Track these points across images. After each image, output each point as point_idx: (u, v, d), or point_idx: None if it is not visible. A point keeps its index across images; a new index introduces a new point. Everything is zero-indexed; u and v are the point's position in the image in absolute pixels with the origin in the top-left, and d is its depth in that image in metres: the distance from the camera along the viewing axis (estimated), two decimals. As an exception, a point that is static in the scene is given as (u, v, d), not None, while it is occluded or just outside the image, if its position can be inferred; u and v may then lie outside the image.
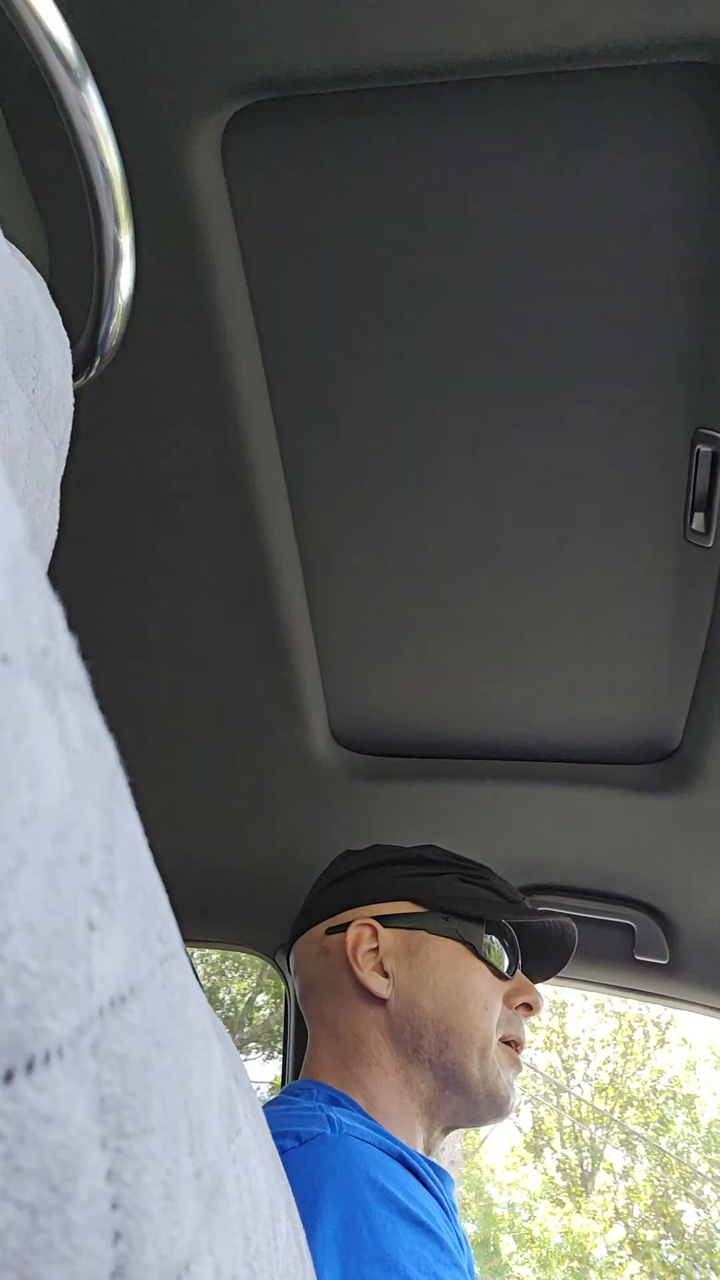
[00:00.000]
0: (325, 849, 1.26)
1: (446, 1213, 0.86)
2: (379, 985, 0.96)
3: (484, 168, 0.68)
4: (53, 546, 0.46)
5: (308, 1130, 0.82)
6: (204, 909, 1.47)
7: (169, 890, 0.22)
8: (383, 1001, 0.96)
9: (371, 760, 1.23)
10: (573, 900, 1.33)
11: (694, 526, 0.85)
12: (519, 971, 1.03)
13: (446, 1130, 1.00)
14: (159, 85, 0.64)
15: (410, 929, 0.99)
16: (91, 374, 0.59)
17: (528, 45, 0.60)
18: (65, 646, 0.18)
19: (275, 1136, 0.80)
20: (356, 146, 0.68)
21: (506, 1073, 0.97)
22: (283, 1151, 0.79)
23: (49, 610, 0.17)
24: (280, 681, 1.09)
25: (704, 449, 0.79)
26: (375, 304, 0.77)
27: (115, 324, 0.58)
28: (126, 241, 0.55)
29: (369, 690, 1.14)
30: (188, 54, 0.62)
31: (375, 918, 1.00)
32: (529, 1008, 1.02)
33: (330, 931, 1.02)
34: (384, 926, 0.99)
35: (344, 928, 1.01)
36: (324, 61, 0.62)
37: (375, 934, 0.99)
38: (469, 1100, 0.95)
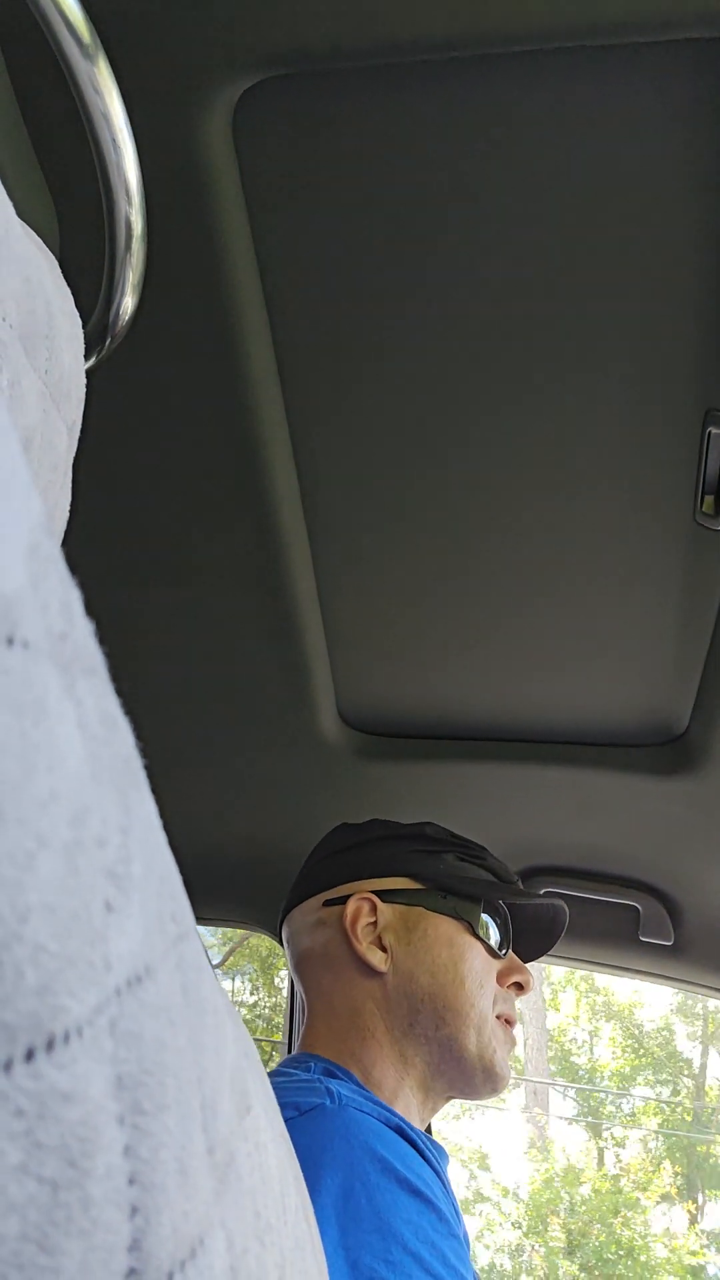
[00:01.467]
0: (333, 828, 1.26)
1: (443, 1184, 0.88)
2: (377, 959, 0.97)
3: (495, 143, 0.67)
4: (65, 528, 0.46)
5: (307, 1101, 0.84)
6: (212, 888, 1.48)
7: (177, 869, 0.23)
8: (380, 975, 0.98)
9: (379, 740, 1.23)
10: (578, 881, 1.34)
11: (703, 509, 0.85)
12: (510, 951, 1.05)
13: (443, 1101, 1.02)
14: (170, 62, 0.63)
15: (409, 905, 1.01)
16: (103, 353, 0.59)
17: (538, 20, 0.59)
18: (83, 631, 0.18)
19: None
20: (367, 122, 0.67)
21: (502, 1048, 0.99)
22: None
23: (67, 595, 0.17)
24: (288, 662, 1.09)
25: (715, 431, 0.79)
26: (386, 281, 0.76)
27: (126, 303, 0.58)
28: (138, 219, 0.55)
29: (376, 671, 1.14)
30: (199, 30, 0.62)
31: (374, 892, 1.02)
32: (520, 987, 1.04)
33: (328, 904, 1.04)
34: (383, 901, 1.01)
35: (342, 900, 1.02)
36: (335, 37, 0.61)
37: (374, 908, 1.00)
38: (464, 1074, 0.97)
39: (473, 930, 1.00)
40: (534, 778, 1.21)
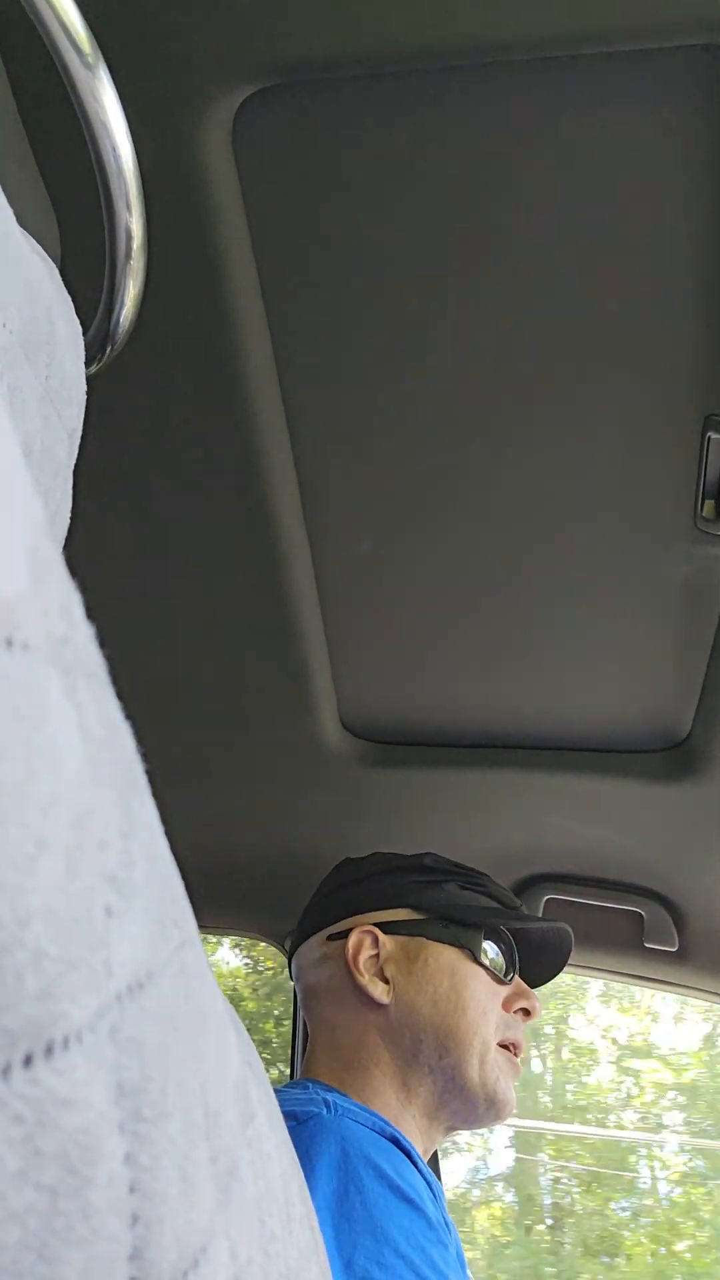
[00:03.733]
0: (335, 836, 1.26)
1: (434, 1195, 0.89)
2: (379, 991, 0.98)
3: (493, 152, 0.68)
4: (65, 534, 0.46)
5: (305, 1110, 0.85)
6: (213, 895, 1.47)
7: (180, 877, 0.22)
8: (383, 1007, 0.98)
9: (380, 748, 1.23)
10: (582, 888, 1.33)
11: (704, 514, 0.85)
12: (517, 976, 1.05)
13: (447, 1133, 1.02)
14: (170, 71, 0.63)
15: (410, 935, 1.01)
16: (104, 361, 0.59)
17: (536, 29, 0.59)
18: (84, 634, 0.18)
19: None
20: (366, 131, 0.68)
21: (505, 1076, 0.99)
22: None
23: (68, 598, 0.17)
24: (290, 669, 1.09)
25: (715, 436, 0.79)
26: (385, 289, 0.76)
27: (127, 310, 0.58)
28: (138, 227, 0.55)
29: (378, 678, 1.14)
30: (199, 39, 0.62)
31: (376, 924, 1.02)
32: (527, 1013, 1.04)
33: (331, 938, 1.05)
34: (384, 933, 1.02)
35: (345, 935, 1.03)
36: (334, 46, 0.61)
37: (376, 940, 1.01)
38: (468, 1104, 0.97)
39: (475, 958, 1.00)
40: (537, 784, 1.21)
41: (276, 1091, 0.94)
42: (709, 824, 1.17)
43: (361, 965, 0.99)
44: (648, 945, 1.31)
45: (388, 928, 1.02)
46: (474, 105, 0.66)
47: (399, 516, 0.94)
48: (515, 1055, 1.02)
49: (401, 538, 0.96)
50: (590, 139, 0.66)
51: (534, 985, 1.13)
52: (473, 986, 0.99)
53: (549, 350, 0.78)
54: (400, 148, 0.68)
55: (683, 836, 1.21)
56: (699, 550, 0.90)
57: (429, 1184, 0.88)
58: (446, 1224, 0.90)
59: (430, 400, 0.83)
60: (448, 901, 1.03)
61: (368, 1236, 0.75)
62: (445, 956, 1.00)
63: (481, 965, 1.00)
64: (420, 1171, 0.88)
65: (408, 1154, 0.87)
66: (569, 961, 1.16)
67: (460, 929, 1.01)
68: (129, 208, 0.54)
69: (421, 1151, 0.98)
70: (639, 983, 1.42)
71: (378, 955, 1.00)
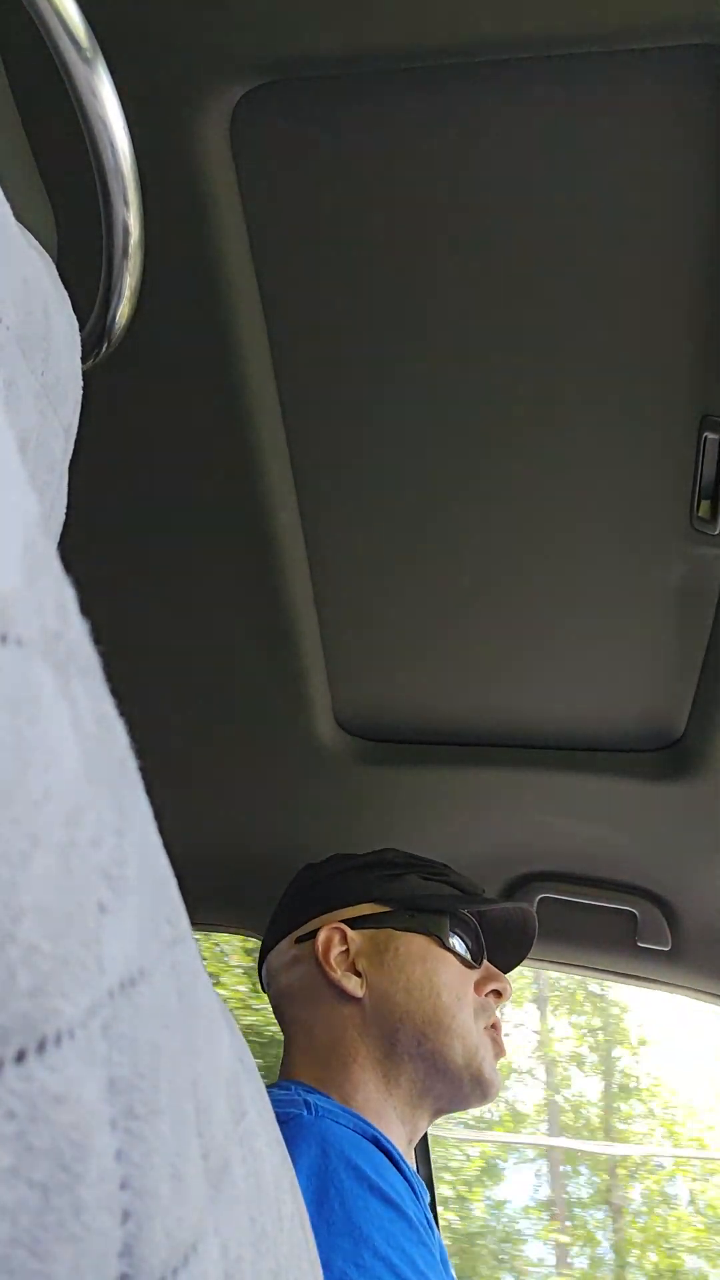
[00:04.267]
0: (329, 834, 1.26)
1: (416, 1195, 0.90)
2: (353, 985, 0.99)
3: (492, 150, 0.67)
4: (60, 531, 0.46)
5: (285, 1112, 0.86)
6: (206, 893, 1.47)
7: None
8: (358, 1001, 0.99)
9: (375, 746, 1.23)
10: (575, 887, 1.33)
11: (700, 514, 0.85)
12: (485, 961, 1.06)
13: (434, 1116, 1.03)
14: (168, 67, 0.63)
15: (378, 928, 1.02)
16: (100, 356, 0.59)
17: (537, 27, 0.59)
18: (78, 630, 0.18)
19: None
20: (364, 128, 0.68)
21: (489, 1055, 1.00)
22: None
23: (62, 594, 0.17)
24: (284, 667, 1.09)
25: (711, 436, 0.79)
26: (382, 286, 0.76)
27: (124, 306, 0.58)
28: (135, 223, 0.55)
29: (373, 676, 1.14)
30: (197, 35, 0.62)
31: (343, 921, 1.03)
32: (498, 994, 1.05)
33: (300, 940, 1.06)
34: (352, 929, 1.02)
35: (313, 935, 1.03)
36: (332, 43, 0.61)
37: (344, 936, 1.02)
38: (453, 1085, 0.98)
39: (443, 943, 1.01)
40: (531, 783, 1.21)
41: None
42: (703, 824, 1.18)
43: (333, 961, 1.00)
44: (640, 944, 1.31)
45: (355, 923, 1.02)
46: (472, 103, 0.65)
47: (394, 515, 0.94)
48: (496, 1034, 1.02)
49: (396, 536, 0.96)
50: (589, 139, 0.66)
51: (504, 970, 1.14)
52: (444, 971, 0.99)
53: (546, 349, 0.78)
54: (398, 144, 0.68)
55: (677, 836, 1.21)
56: (695, 550, 0.90)
57: (411, 1184, 0.89)
58: (429, 1224, 0.90)
59: (427, 398, 0.83)
60: (411, 892, 1.04)
61: (346, 1238, 0.75)
62: (414, 944, 1.00)
63: (450, 950, 1.01)
64: (403, 1172, 0.88)
65: (389, 1154, 0.88)
66: (561, 961, 1.16)
67: (427, 916, 1.02)
68: (126, 203, 0.54)
69: (407, 1140, 0.98)
70: (631, 982, 1.42)
71: (348, 950, 1.01)
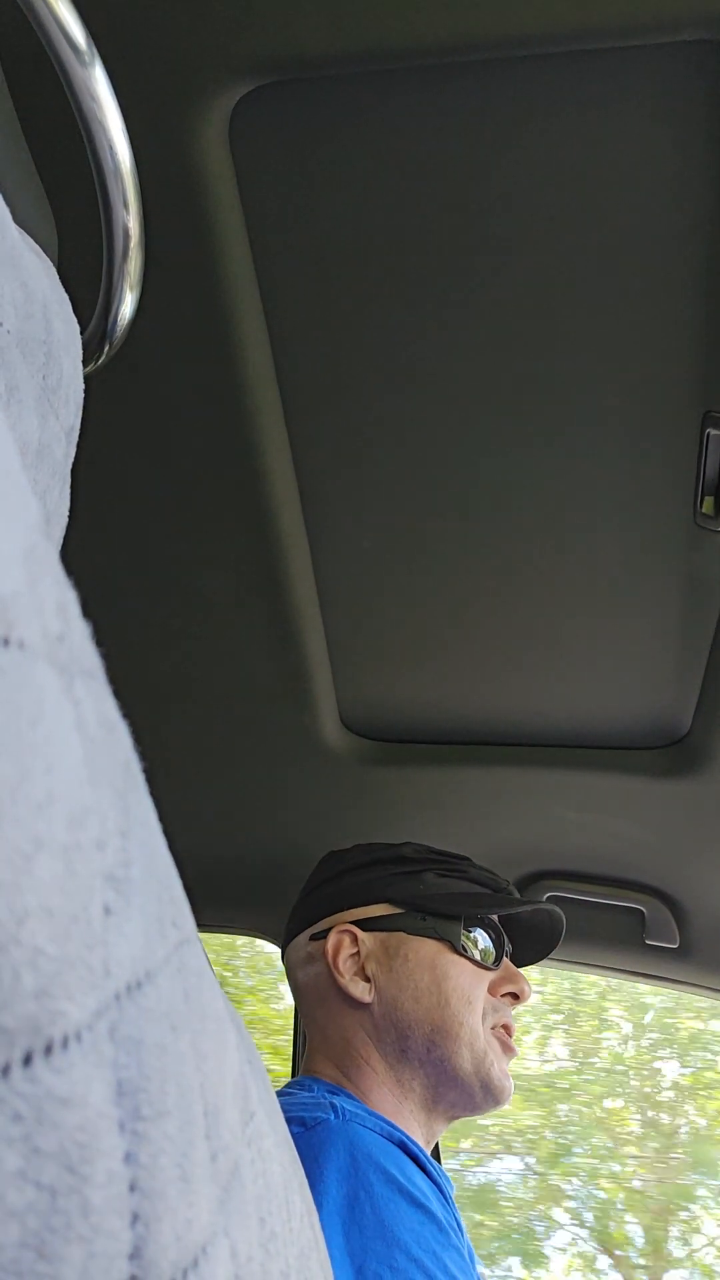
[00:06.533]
0: (335, 834, 1.26)
1: (445, 1198, 0.89)
2: (360, 990, 0.98)
3: (491, 148, 0.67)
4: (63, 534, 0.46)
5: (313, 1116, 0.85)
6: (212, 894, 1.47)
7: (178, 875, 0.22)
8: (366, 1006, 0.98)
9: (380, 746, 1.23)
10: (583, 885, 1.33)
11: (704, 510, 0.84)
12: (505, 960, 1.05)
13: (448, 1121, 1.02)
14: (166, 68, 0.63)
15: (389, 931, 1.01)
16: (101, 359, 0.59)
17: (534, 25, 0.59)
18: (80, 632, 0.18)
19: None
20: (363, 128, 0.67)
21: (499, 1061, 0.99)
22: None
23: (64, 596, 0.17)
24: (289, 667, 1.09)
25: (714, 432, 0.79)
26: (382, 286, 0.76)
27: (124, 309, 0.58)
28: (135, 226, 0.55)
29: (378, 676, 1.14)
30: (195, 36, 0.62)
31: (355, 922, 1.02)
32: (515, 996, 1.04)
33: (314, 937, 1.05)
34: (363, 931, 1.01)
35: (327, 934, 1.03)
36: (331, 43, 0.61)
37: (355, 939, 1.01)
38: (464, 1093, 0.97)
39: (455, 948, 1.00)
40: (537, 782, 1.21)
41: (281, 1093, 0.94)
42: (710, 820, 1.17)
43: (342, 965, 0.99)
44: (649, 942, 1.31)
45: (367, 925, 1.02)
46: (472, 101, 0.65)
47: (398, 514, 0.94)
48: (508, 1037, 1.01)
49: (401, 535, 0.96)
50: (589, 136, 0.66)
51: (526, 964, 1.13)
52: (455, 977, 0.98)
53: (548, 346, 0.78)
54: (398, 144, 0.68)
55: (683, 833, 1.21)
56: (699, 547, 0.90)
57: (439, 1187, 0.89)
58: (458, 1226, 0.90)
59: (429, 396, 0.83)
60: (426, 892, 1.03)
61: (379, 1241, 0.75)
62: (425, 950, 0.99)
63: (463, 955, 1.00)
64: (430, 1174, 0.88)
65: (415, 1158, 0.88)
66: (570, 959, 1.16)
67: (439, 920, 1.01)
68: (126, 206, 0.54)
69: (424, 1145, 0.98)
70: (640, 979, 1.42)
71: (358, 954, 1.00)
